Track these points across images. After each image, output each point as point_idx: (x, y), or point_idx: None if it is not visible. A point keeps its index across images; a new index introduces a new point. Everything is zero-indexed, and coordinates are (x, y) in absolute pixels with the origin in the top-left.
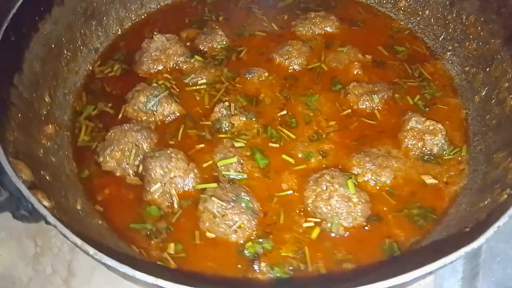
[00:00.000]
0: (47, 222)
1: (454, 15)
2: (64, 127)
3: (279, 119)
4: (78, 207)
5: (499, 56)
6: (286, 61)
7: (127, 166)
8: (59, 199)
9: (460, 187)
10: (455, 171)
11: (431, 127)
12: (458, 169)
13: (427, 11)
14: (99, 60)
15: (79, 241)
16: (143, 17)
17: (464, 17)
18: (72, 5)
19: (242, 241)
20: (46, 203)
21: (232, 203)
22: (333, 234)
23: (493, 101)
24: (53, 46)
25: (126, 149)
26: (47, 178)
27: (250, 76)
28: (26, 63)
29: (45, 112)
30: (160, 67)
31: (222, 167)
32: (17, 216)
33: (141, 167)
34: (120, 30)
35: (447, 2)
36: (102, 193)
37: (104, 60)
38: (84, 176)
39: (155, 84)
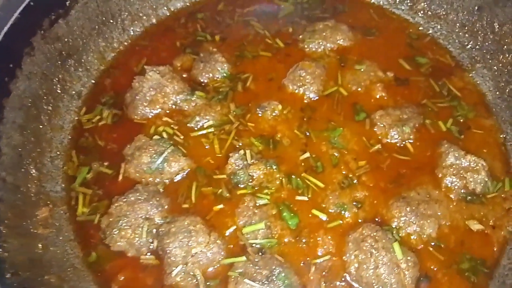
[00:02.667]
0: None
1: (484, 23)
2: (59, 201)
3: (303, 164)
4: None
5: None
6: (300, 89)
7: (140, 244)
8: None
9: (508, 231)
10: (501, 212)
11: (472, 164)
12: (504, 208)
13: (451, 16)
14: (84, 107)
15: None
16: (126, 44)
17: (497, 26)
18: (45, 50)
19: None
20: None
21: (267, 282)
22: None
23: None
24: (29, 105)
25: (137, 225)
26: (53, 282)
27: (262, 111)
28: (3, 139)
29: (34, 191)
30: (158, 110)
31: (249, 235)
32: None
33: (155, 243)
34: (102, 65)
35: (475, 7)
36: (117, 280)
37: (90, 106)
38: (92, 260)
39: (156, 137)
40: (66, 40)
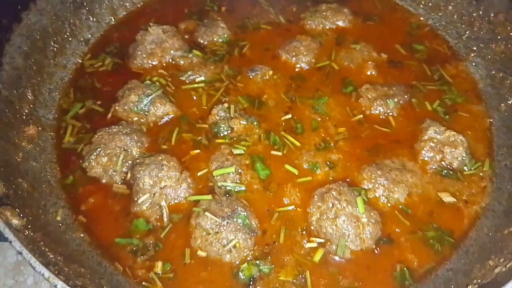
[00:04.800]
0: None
1: (480, 12)
2: (49, 127)
3: (283, 124)
4: (58, 218)
5: None
6: (293, 58)
7: (114, 173)
8: (37, 210)
9: (481, 207)
10: (476, 189)
11: (451, 138)
12: (480, 186)
13: (450, 7)
14: (89, 53)
15: (46, 273)
16: (138, 5)
17: (492, 15)
18: None
19: (237, 262)
20: (16, 221)
21: (227, 219)
22: (338, 258)
23: None
24: (38, 37)
25: (114, 154)
26: (25, 186)
27: (253, 74)
28: (6, 57)
29: (26, 111)
30: (155, 62)
31: (218, 177)
32: None
33: (129, 175)
34: (113, 20)
35: None
36: (86, 202)
37: (95, 53)
38: (68, 182)
39: (148, 82)
40: None
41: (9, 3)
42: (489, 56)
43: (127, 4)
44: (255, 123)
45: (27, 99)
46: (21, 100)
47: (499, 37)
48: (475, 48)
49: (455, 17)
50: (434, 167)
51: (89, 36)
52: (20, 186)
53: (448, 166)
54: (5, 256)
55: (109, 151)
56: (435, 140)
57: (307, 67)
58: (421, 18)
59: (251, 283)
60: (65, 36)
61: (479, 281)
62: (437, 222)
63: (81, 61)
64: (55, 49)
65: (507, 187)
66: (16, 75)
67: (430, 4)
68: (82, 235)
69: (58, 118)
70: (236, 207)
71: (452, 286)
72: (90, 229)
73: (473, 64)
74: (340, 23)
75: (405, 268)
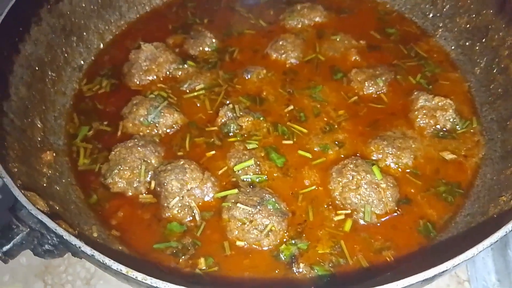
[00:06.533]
0: (75, 254)
1: None
2: (61, 152)
3: (287, 115)
4: (95, 235)
5: (493, 25)
6: (282, 55)
7: (138, 184)
8: (75, 228)
9: (479, 158)
10: (471, 144)
11: (440, 103)
12: (474, 141)
13: None
14: (85, 78)
15: (124, 269)
16: (123, 28)
17: None
18: (50, 23)
19: (275, 245)
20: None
21: (258, 207)
22: (366, 224)
23: (495, 70)
24: (36, 68)
25: (135, 166)
26: (57, 208)
27: (249, 75)
28: (12, 88)
29: (39, 139)
30: (153, 77)
31: (240, 172)
32: (38, 252)
33: (153, 184)
34: (102, 44)
35: None
36: (116, 216)
37: (91, 77)
38: (93, 201)
39: (152, 95)
40: (69, 17)
41: (7, 36)
42: (456, 29)
43: (112, 28)
44: (261, 118)
45: (37, 127)
46: (32, 128)
47: (461, 11)
48: (441, 24)
49: None
50: (430, 131)
51: (82, 62)
52: (54, 207)
53: (443, 128)
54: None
55: (129, 164)
56: (426, 107)
57: (296, 62)
58: (388, 6)
59: (293, 261)
60: (60, 64)
61: (498, 214)
62: (445, 178)
63: (78, 87)
64: (52, 77)
65: (498, 137)
66: (23, 105)
67: None
68: (120, 247)
69: (68, 143)
70: (263, 194)
71: (473, 225)
72: (125, 241)
73: (443, 38)
74: (317, 19)
75: (427, 222)
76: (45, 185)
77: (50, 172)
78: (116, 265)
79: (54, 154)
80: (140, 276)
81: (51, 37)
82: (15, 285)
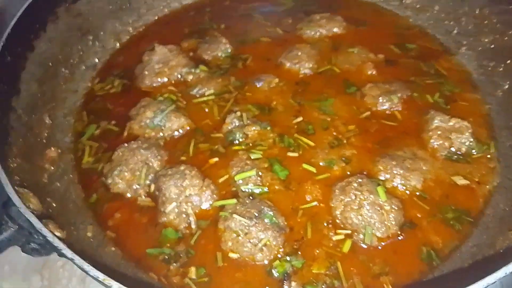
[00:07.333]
0: (61, 255)
1: (466, 9)
2: (67, 150)
3: (295, 126)
4: (89, 235)
5: None
6: (296, 65)
7: (138, 186)
8: (69, 227)
9: (493, 186)
10: (486, 170)
11: (456, 125)
12: (489, 167)
13: (437, 7)
14: (98, 77)
15: (101, 276)
16: (140, 30)
17: (477, 11)
18: (67, 22)
19: (269, 260)
20: (58, 234)
21: (255, 220)
22: (365, 246)
23: None
24: (50, 64)
25: (136, 168)
26: (54, 205)
27: (260, 83)
28: (23, 84)
29: (46, 135)
30: (164, 80)
31: (240, 181)
32: (26, 250)
33: (153, 187)
34: (117, 45)
35: None
36: (113, 218)
37: (103, 77)
38: (92, 200)
39: (160, 98)
40: (86, 17)
41: (23, 32)
42: (479, 48)
43: (130, 29)
44: (268, 128)
45: (45, 124)
46: (40, 124)
47: (485, 30)
48: (464, 42)
49: (442, 15)
50: (444, 153)
51: (96, 61)
52: (51, 205)
53: (458, 152)
54: (30, 283)
55: (131, 166)
56: (441, 128)
57: (310, 73)
58: (410, 20)
59: (285, 278)
60: (74, 62)
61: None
62: (454, 204)
63: (90, 85)
64: (65, 75)
65: None
66: (33, 101)
67: (417, 6)
68: (114, 249)
69: (74, 141)
70: (262, 207)
71: (479, 257)
72: (120, 242)
73: (465, 56)
74: (335, 30)
75: (431, 250)
76: (45, 181)
77: (52, 168)
78: (93, 272)
79: (59, 151)
80: (115, 285)
81: (67, 36)
82: (13, 276)
